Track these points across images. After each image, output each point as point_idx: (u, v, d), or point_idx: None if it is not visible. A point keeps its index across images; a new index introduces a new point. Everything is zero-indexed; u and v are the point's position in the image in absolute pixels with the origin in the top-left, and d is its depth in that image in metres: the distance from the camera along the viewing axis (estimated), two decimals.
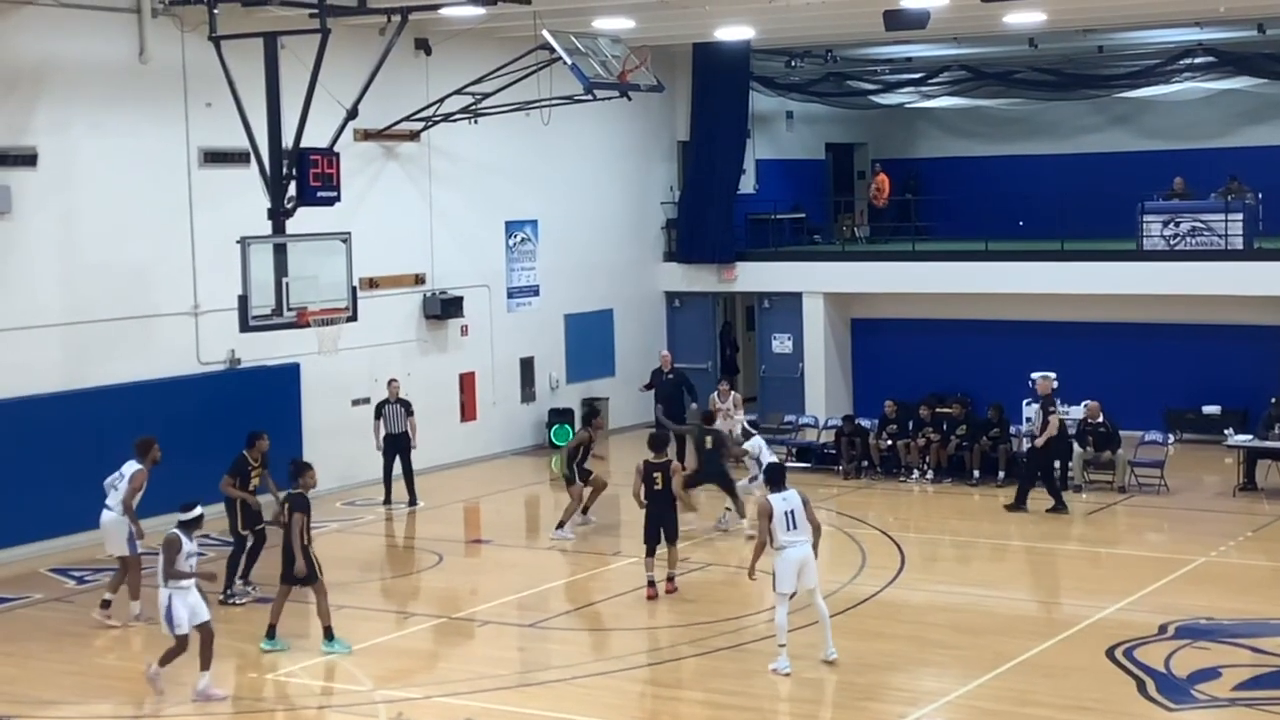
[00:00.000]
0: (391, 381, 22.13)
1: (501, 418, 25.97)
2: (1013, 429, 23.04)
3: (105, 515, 16.27)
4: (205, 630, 13.50)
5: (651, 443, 17.32)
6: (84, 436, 19.41)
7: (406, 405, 21.88)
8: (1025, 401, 23.04)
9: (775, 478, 14.34)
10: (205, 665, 13.46)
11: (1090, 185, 28.80)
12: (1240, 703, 12.95)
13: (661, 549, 16.87)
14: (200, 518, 13.73)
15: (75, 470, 19.26)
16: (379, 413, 21.90)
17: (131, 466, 16.24)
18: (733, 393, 23.39)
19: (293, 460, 15.40)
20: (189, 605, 13.42)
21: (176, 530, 13.49)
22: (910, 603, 16.62)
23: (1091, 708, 12.93)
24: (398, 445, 21.77)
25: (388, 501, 21.95)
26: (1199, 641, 14.60)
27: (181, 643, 13.42)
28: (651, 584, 16.73)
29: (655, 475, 16.84)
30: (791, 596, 14.02)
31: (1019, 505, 20.77)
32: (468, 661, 14.90)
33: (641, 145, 28.84)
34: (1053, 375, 21.55)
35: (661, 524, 16.80)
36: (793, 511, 13.99)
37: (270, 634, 14.93)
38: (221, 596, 16.40)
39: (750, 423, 25.84)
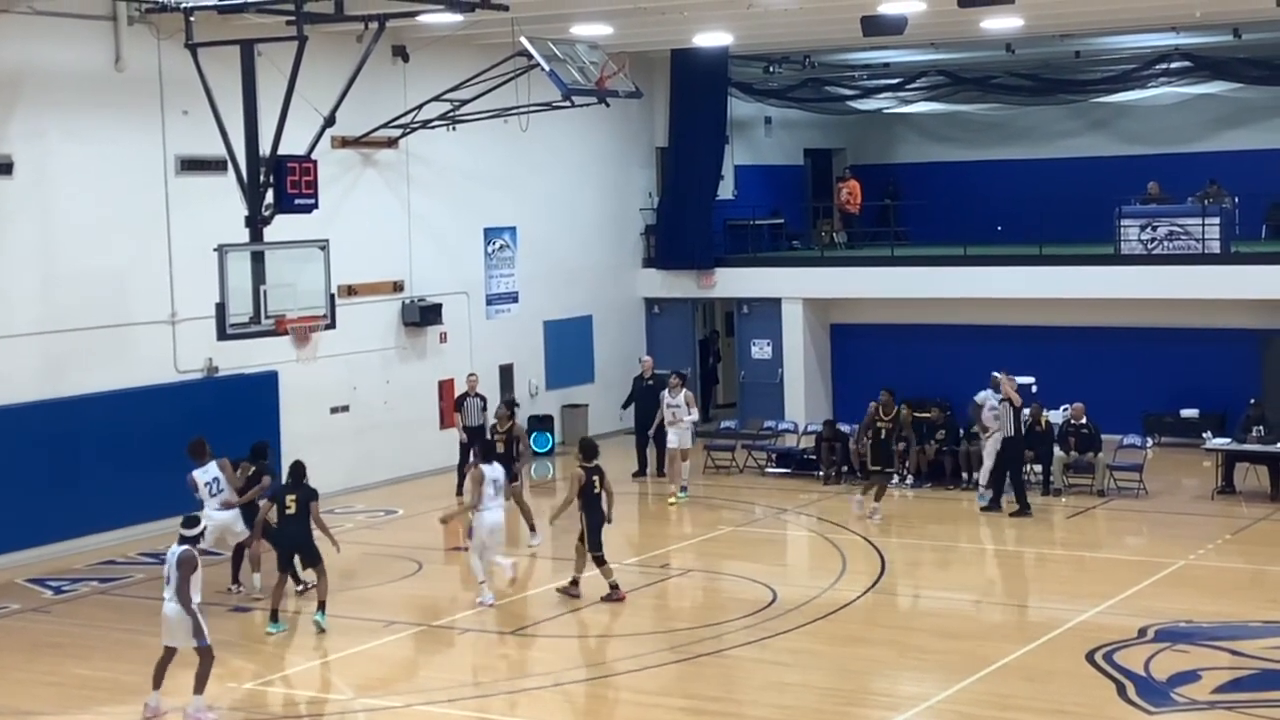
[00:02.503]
0: (470, 375, 23.02)
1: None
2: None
3: (219, 515, 16.92)
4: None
5: (585, 449, 17.14)
6: (61, 446, 19.34)
7: (484, 399, 22.66)
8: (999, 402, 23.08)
9: (486, 454, 17.14)
10: (201, 687, 13.20)
11: (1068, 190, 28.87)
12: (1220, 705, 12.97)
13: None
14: (204, 532, 13.75)
15: (52, 480, 19.22)
16: (458, 406, 22.71)
17: (210, 471, 17.00)
18: (684, 389, 22.87)
19: (296, 461, 16.31)
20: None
21: (190, 548, 13.21)
22: (891, 607, 16.64)
23: (1072, 711, 12.94)
24: (476, 437, 22.11)
25: (460, 492, 22.39)
26: (1178, 644, 14.62)
27: (210, 652, 13.17)
28: (617, 586, 16.74)
29: (594, 480, 16.81)
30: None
31: (995, 505, 20.94)
32: (449, 669, 14.87)
33: (620, 151, 28.83)
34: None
35: (600, 530, 16.80)
36: (497, 480, 16.63)
37: (274, 617, 15.75)
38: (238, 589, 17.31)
39: (728, 429, 25.91)
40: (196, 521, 13.55)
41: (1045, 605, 16.77)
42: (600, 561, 16.79)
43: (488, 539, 16.60)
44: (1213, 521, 20.34)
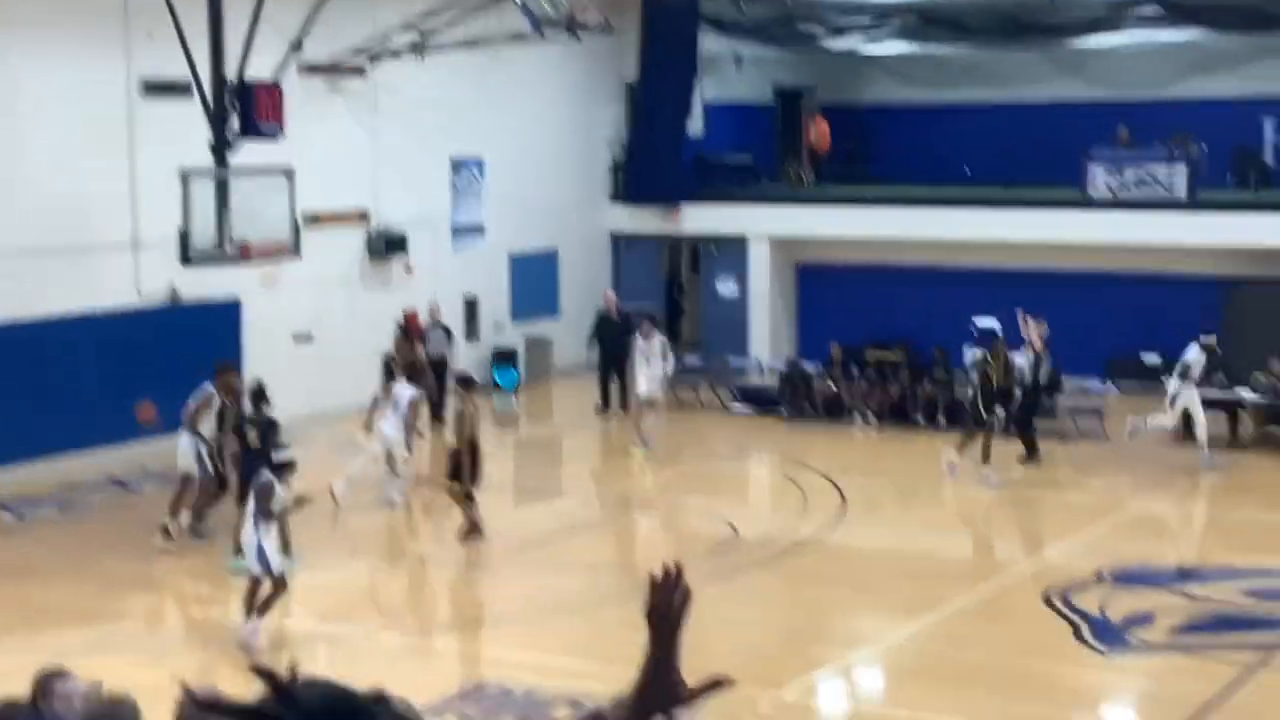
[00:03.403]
0: (432, 304, 22.83)
1: None
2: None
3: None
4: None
5: (468, 383, 17.29)
6: (22, 369, 19.21)
7: (447, 330, 22.26)
8: (965, 346, 23.14)
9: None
10: (263, 612, 13.07)
11: (1037, 134, 28.82)
12: (1174, 648, 13.13)
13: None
14: (294, 462, 13.64)
15: (13, 403, 19.10)
16: (424, 338, 22.37)
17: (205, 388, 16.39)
18: (657, 335, 22.01)
19: (256, 385, 15.78)
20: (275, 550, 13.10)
21: (270, 475, 13.20)
22: (851, 546, 16.72)
23: (1027, 652, 13.06)
24: (438, 370, 21.86)
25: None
26: (1134, 587, 14.77)
27: (280, 584, 13.03)
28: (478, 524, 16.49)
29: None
30: None
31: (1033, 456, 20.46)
32: (414, 599, 14.89)
33: (589, 86, 28.64)
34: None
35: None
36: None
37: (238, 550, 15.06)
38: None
39: (694, 367, 25.85)
40: (285, 447, 13.53)
41: (1003, 546, 16.91)
42: (470, 497, 16.46)
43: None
44: (1171, 467, 20.49)
